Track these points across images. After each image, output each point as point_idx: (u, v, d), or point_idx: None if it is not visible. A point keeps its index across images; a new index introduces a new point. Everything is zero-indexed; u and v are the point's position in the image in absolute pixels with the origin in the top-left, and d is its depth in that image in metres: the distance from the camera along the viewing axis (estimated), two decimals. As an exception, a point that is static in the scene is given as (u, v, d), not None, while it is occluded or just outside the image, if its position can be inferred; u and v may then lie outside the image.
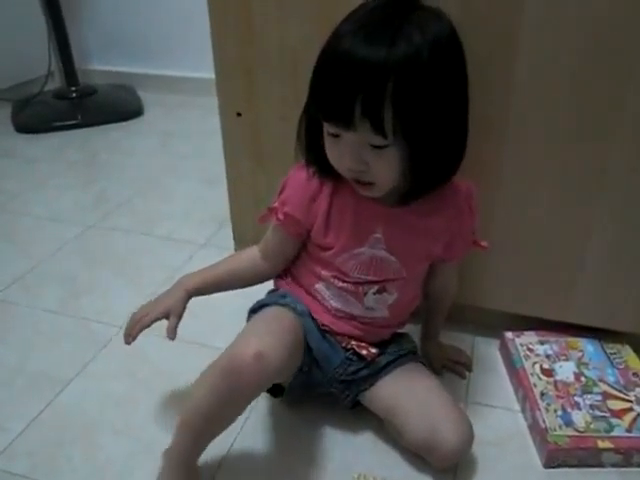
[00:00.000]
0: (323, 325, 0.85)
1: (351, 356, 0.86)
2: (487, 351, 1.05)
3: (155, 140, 2.02)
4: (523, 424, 0.91)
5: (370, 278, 0.81)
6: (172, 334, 0.84)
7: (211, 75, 1.11)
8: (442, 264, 0.88)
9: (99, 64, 2.50)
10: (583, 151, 0.85)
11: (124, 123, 2.16)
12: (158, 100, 2.35)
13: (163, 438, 0.77)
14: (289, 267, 0.89)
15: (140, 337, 1.08)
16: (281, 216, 0.81)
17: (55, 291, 1.22)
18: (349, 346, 0.86)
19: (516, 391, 0.95)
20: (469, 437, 0.79)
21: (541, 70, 0.82)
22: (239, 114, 1.10)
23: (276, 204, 0.82)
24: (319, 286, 0.85)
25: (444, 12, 0.67)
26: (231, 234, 1.30)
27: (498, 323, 1.06)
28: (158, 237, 1.42)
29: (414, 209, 0.76)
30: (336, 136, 0.68)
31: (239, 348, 0.72)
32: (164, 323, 1.11)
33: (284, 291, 0.88)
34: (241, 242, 1.28)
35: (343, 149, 0.68)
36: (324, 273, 0.83)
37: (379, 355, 0.87)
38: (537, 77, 0.82)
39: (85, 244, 1.40)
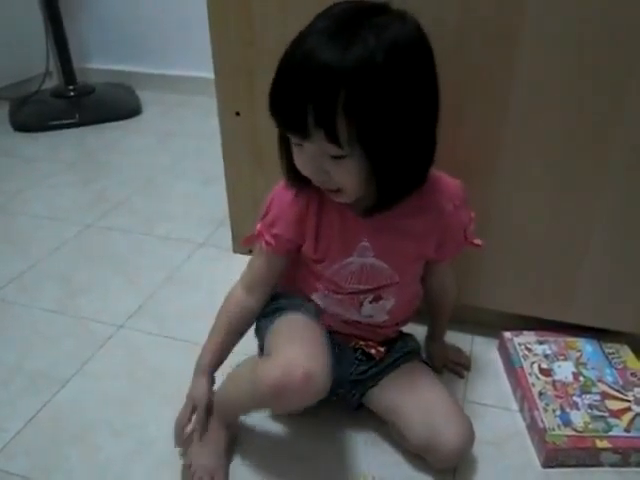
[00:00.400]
0: (330, 326, 0.85)
1: (360, 356, 0.86)
2: (485, 351, 1.05)
3: (153, 139, 2.02)
4: (521, 424, 0.91)
5: (363, 287, 0.81)
6: (199, 426, 0.82)
7: (210, 75, 1.11)
8: (435, 264, 0.87)
9: (97, 63, 2.49)
10: (582, 151, 0.85)
11: (122, 122, 2.16)
12: (156, 99, 2.34)
13: (162, 438, 0.77)
14: (291, 274, 0.86)
15: (139, 336, 1.08)
16: (270, 239, 0.79)
17: (53, 290, 1.21)
18: (357, 346, 0.86)
19: (514, 391, 0.95)
20: (470, 437, 0.79)
21: (540, 70, 0.82)
22: (238, 114, 1.10)
23: (260, 227, 0.80)
24: (315, 296, 0.85)
25: (411, 15, 0.64)
26: (229, 233, 1.30)
27: (497, 323, 1.06)
28: (156, 236, 1.41)
29: (397, 212, 0.73)
30: (300, 145, 0.66)
31: (290, 366, 0.68)
32: (163, 323, 1.11)
33: (289, 294, 0.87)
34: (239, 241, 1.28)
35: (305, 158, 0.67)
36: (319, 285, 0.83)
37: (387, 352, 0.87)
38: (536, 77, 0.82)
39: (83, 243, 1.39)
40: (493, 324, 1.07)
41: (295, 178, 0.73)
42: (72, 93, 2.24)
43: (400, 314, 0.87)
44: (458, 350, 1.03)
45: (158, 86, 2.41)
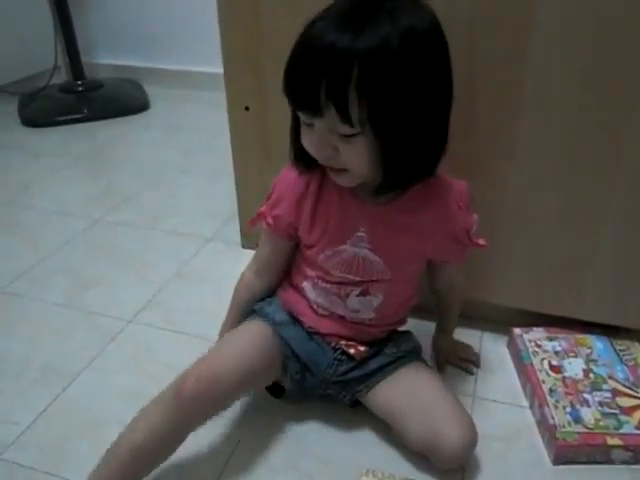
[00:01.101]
0: (310, 327, 0.85)
1: (340, 356, 0.85)
2: (495, 347, 1.04)
3: (161, 134, 2.02)
4: (531, 420, 0.90)
5: (352, 278, 0.80)
6: None
7: (218, 69, 1.11)
8: (442, 265, 0.87)
9: (105, 58, 2.50)
10: (595, 150, 0.85)
11: (130, 117, 2.16)
12: (164, 94, 2.34)
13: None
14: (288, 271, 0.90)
15: (148, 331, 1.09)
16: (270, 220, 0.81)
17: (62, 284, 1.22)
18: (337, 346, 0.85)
19: (524, 387, 0.95)
20: (473, 438, 0.78)
21: (549, 74, 0.81)
22: (247, 108, 1.10)
23: (264, 208, 0.82)
24: (305, 284, 0.85)
25: (426, 3, 0.65)
26: (238, 228, 1.30)
27: (506, 319, 1.05)
28: (164, 231, 1.42)
29: (400, 206, 0.75)
30: (309, 125, 0.67)
31: (185, 374, 0.77)
32: (172, 317, 1.11)
33: (273, 298, 0.89)
34: (248, 237, 1.28)
35: (314, 137, 0.68)
36: (309, 272, 0.83)
37: (375, 355, 0.86)
38: (546, 80, 0.82)
39: (92, 238, 1.40)
40: (502, 320, 1.06)
41: (301, 159, 0.75)
42: (80, 88, 2.24)
43: (388, 314, 0.86)
44: (467, 347, 1.02)
45: (166, 81, 2.41)
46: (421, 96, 0.64)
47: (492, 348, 1.04)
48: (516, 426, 0.89)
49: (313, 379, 0.86)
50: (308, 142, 0.70)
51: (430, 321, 1.00)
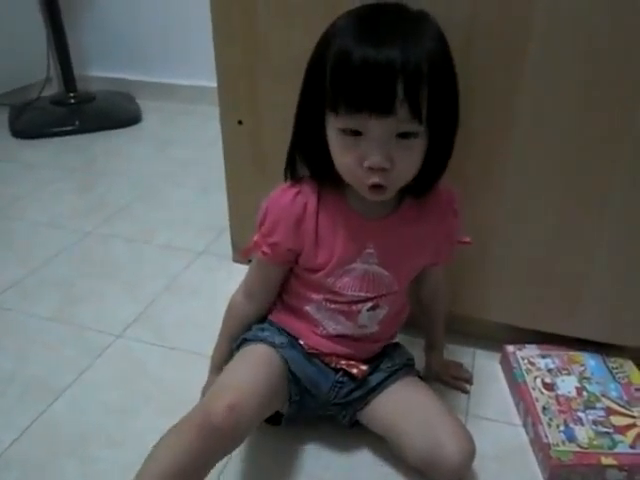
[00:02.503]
0: (310, 349, 0.83)
1: (341, 378, 0.84)
2: (487, 364, 1.04)
3: (153, 147, 2.02)
4: (525, 439, 0.89)
5: (364, 295, 0.79)
6: None
7: (211, 83, 1.11)
8: (430, 269, 0.87)
9: (98, 71, 2.49)
10: (587, 165, 0.85)
11: (122, 130, 2.16)
12: (157, 107, 2.35)
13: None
14: (280, 292, 0.87)
15: (138, 346, 1.07)
16: (267, 249, 0.77)
17: (52, 298, 1.20)
18: (338, 366, 0.83)
19: (517, 405, 0.94)
20: (471, 452, 0.77)
21: (549, 81, 0.81)
22: (240, 122, 1.09)
23: (258, 236, 0.78)
24: (309, 308, 0.83)
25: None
26: (230, 242, 1.29)
27: (498, 336, 1.05)
28: (156, 244, 1.40)
29: (400, 217, 0.76)
30: (356, 134, 0.65)
31: (212, 402, 0.72)
32: (162, 332, 1.10)
33: (264, 324, 0.86)
34: (240, 250, 1.27)
35: (366, 146, 0.65)
36: (314, 296, 0.81)
37: (372, 373, 0.85)
38: (545, 88, 0.82)
39: (82, 251, 1.38)
40: (495, 337, 1.06)
41: (320, 175, 0.74)
42: (72, 100, 2.24)
43: (388, 326, 0.86)
44: (458, 365, 1.01)
45: (158, 94, 2.41)
46: (456, 95, 0.69)
47: (485, 365, 1.04)
48: (510, 445, 0.89)
49: (312, 402, 0.84)
50: (353, 154, 0.66)
51: (417, 337, 1.00)
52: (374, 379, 0.85)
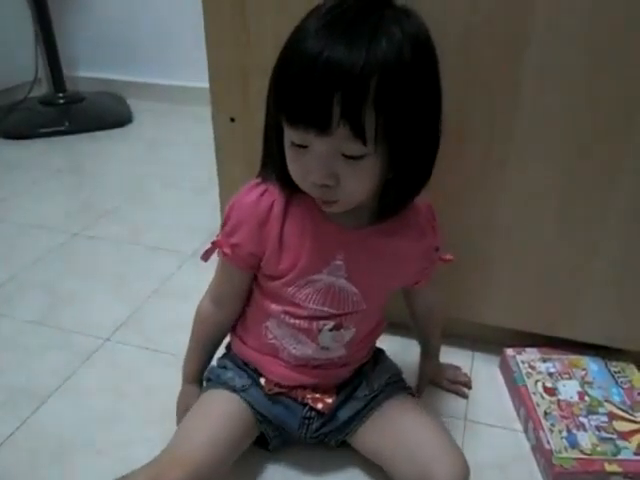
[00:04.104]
0: (271, 388, 0.79)
1: (308, 413, 0.79)
2: (486, 368, 1.01)
3: (143, 148, 1.98)
4: (526, 445, 0.87)
5: (326, 310, 0.73)
6: None
7: (202, 84, 1.08)
8: (415, 289, 0.82)
9: (87, 71, 2.46)
10: (588, 168, 0.83)
11: (112, 131, 2.12)
12: (147, 108, 2.31)
13: (148, 458, 0.72)
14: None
15: (126, 350, 1.04)
16: (227, 250, 0.72)
17: (36, 301, 1.16)
18: (305, 400, 0.79)
19: (517, 410, 0.92)
20: (465, 474, 0.72)
21: (550, 79, 0.79)
22: (232, 119, 1.06)
23: (220, 237, 0.73)
24: (269, 323, 0.77)
25: (413, 10, 0.61)
26: (221, 244, 1.26)
27: (497, 339, 1.03)
28: (145, 246, 1.37)
29: (378, 231, 0.69)
30: (302, 147, 0.60)
31: (165, 470, 0.67)
32: (151, 336, 1.06)
33: (227, 359, 0.84)
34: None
35: (310, 161, 0.60)
36: (274, 307, 0.75)
37: (345, 402, 0.80)
38: (543, 89, 0.80)
39: (69, 253, 1.35)
40: (493, 340, 1.03)
41: (287, 182, 0.66)
42: (61, 101, 2.20)
43: (357, 349, 0.80)
44: (456, 368, 0.99)
45: (149, 95, 2.37)
46: (427, 106, 0.61)
47: (483, 369, 1.01)
48: (510, 451, 0.86)
49: (290, 436, 0.81)
50: (301, 169, 0.62)
51: (410, 338, 0.97)
52: (346, 410, 0.80)
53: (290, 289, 0.72)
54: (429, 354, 0.95)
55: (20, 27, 2.22)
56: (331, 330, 0.75)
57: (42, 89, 2.36)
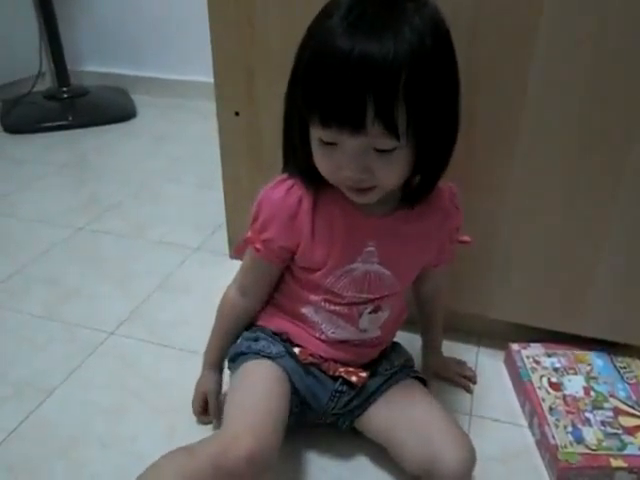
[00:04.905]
0: (306, 358, 0.78)
1: (340, 387, 0.79)
2: (491, 363, 1.01)
3: (148, 143, 1.98)
4: (530, 440, 0.87)
5: (365, 296, 0.76)
6: (214, 415, 0.85)
7: (206, 78, 1.08)
8: (432, 269, 0.83)
9: (92, 65, 2.45)
10: (596, 164, 0.82)
11: (116, 125, 2.12)
12: (151, 103, 2.31)
13: (154, 451, 0.72)
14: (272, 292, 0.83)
15: (131, 343, 1.04)
16: (260, 246, 0.74)
17: (41, 295, 1.16)
18: (337, 374, 0.79)
19: (522, 405, 0.91)
20: (472, 460, 0.73)
21: (556, 75, 0.79)
22: (237, 113, 1.06)
23: (250, 233, 0.75)
24: (306, 310, 0.79)
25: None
26: (226, 238, 1.26)
27: (502, 334, 1.02)
28: (150, 241, 1.37)
29: (404, 216, 0.71)
30: (331, 144, 0.61)
31: (231, 445, 0.65)
32: (155, 330, 1.07)
33: (257, 331, 0.82)
34: (234, 249, 1.24)
35: (341, 158, 0.61)
36: (312, 297, 0.77)
37: (370, 377, 0.80)
38: (552, 84, 0.79)
39: (74, 247, 1.35)
40: (498, 335, 1.03)
41: (312, 178, 0.68)
42: (65, 95, 2.20)
43: (390, 329, 0.83)
44: (461, 362, 0.99)
45: (153, 89, 2.37)
46: (451, 95, 0.62)
47: (488, 364, 1.01)
48: (515, 446, 0.86)
49: (311, 413, 0.81)
50: (333, 165, 0.63)
51: (414, 333, 0.96)
52: (372, 385, 0.81)
53: (329, 279, 0.74)
54: (431, 347, 0.95)
55: (24, 21, 2.22)
56: (370, 313, 0.78)
57: (46, 83, 2.36)
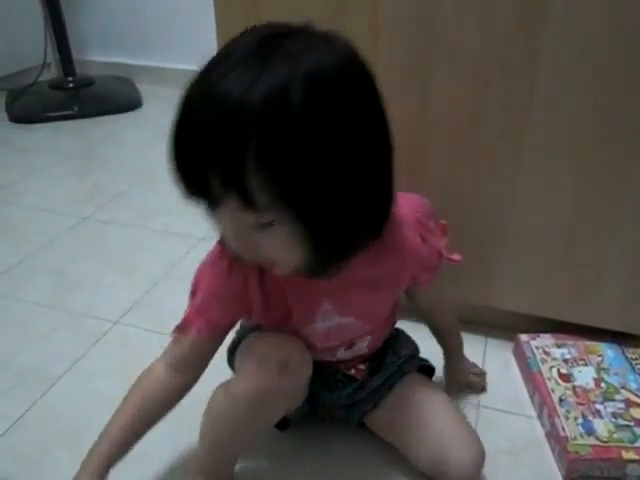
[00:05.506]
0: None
1: (342, 378, 0.77)
2: (500, 353, 1.00)
3: (153, 132, 1.97)
4: (540, 431, 0.85)
5: (334, 344, 0.72)
6: None
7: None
8: (417, 288, 0.77)
9: (97, 55, 2.44)
10: (607, 152, 0.81)
11: (122, 115, 2.11)
12: (157, 92, 2.29)
13: (158, 441, 0.71)
14: None
15: (135, 333, 1.03)
16: (202, 327, 0.65)
17: (46, 284, 1.16)
18: (335, 368, 0.77)
19: (531, 396, 0.90)
20: (480, 460, 0.72)
21: (567, 61, 0.77)
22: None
23: (190, 311, 0.66)
24: None
25: (341, 37, 0.51)
26: (231, 228, 1.25)
27: (510, 325, 1.01)
28: (155, 230, 1.36)
29: (356, 264, 0.61)
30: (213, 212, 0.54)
31: (261, 359, 0.63)
32: (160, 319, 1.06)
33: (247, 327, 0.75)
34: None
35: (224, 229, 0.55)
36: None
37: (378, 369, 0.78)
38: (560, 79, 0.78)
39: (79, 236, 1.34)
40: (507, 326, 1.01)
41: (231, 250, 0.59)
42: (71, 85, 2.19)
43: (378, 340, 0.78)
44: (473, 365, 0.94)
45: (159, 79, 2.35)
46: (343, 155, 0.49)
47: (496, 354, 0.99)
48: (524, 437, 0.84)
49: (319, 405, 0.79)
50: (225, 236, 0.56)
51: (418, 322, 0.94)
52: (379, 377, 0.79)
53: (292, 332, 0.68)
54: (449, 353, 0.89)
55: (29, 11, 2.21)
56: (346, 350, 0.74)
57: (52, 73, 2.35)
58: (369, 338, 0.75)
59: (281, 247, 0.53)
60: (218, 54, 0.51)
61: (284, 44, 0.48)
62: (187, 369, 0.69)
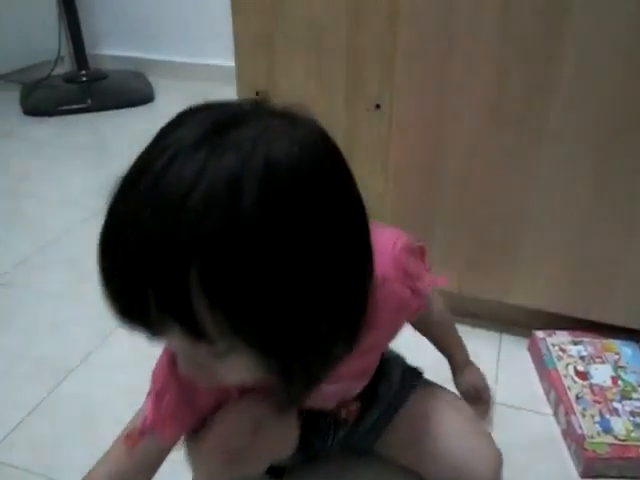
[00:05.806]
0: None
1: (332, 421, 0.71)
2: (515, 350, 0.99)
3: (166, 126, 1.97)
4: (556, 429, 0.85)
5: (324, 405, 0.68)
6: None
7: (225, 62, 1.06)
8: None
9: (110, 49, 2.45)
10: (622, 151, 0.80)
11: (134, 108, 2.11)
12: (169, 86, 2.29)
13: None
14: None
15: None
16: (169, 432, 0.59)
17: (61, 275, 1.16)
18: (326, 411, 0.70)
19: (547, 393, 0.89)
20: (499, 466, 0.69)
21: (587, 59, 0.76)
22: (257, 94, 1.04)
23: (147, 416, 0.60)
24: None
25: (308, 115, 0.44)
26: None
27: (525, 321, 1.00)
28: (168, 223, 1.36)
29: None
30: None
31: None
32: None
33: None
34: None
35: (174, 352, 0.49)
36: None
37: (371, 404, 0.72)
38: (583, 67, 0.77)
39: (93, 229, 1.33)
40: (522, 322, 1.01)
41: None
42: (84, 78, 2.19)
43: (370, 377, 0.71)
44: (482, 388, 0.81)
45: (171, 73, 2.36)
46: (309, 276, 0.40)
47: (512, 351, 0.99)
48: (540, 435, 0.84)
49: (313, 452, 0.73)
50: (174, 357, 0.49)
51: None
52: (374, 411, 0.73)
53: None
54: (453, 365, 0.79)
55: (43, 5, 2.21)
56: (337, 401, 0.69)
57: (65, 67, 2.36)
58: (362, 384, 0.70)
59: (242, 373, 0.46)
60: (156, 140, 0.44)
61: (230, 131, 0.40)
62: (147, 471, 0.61)
